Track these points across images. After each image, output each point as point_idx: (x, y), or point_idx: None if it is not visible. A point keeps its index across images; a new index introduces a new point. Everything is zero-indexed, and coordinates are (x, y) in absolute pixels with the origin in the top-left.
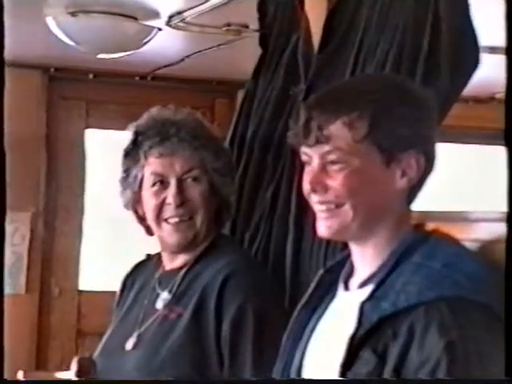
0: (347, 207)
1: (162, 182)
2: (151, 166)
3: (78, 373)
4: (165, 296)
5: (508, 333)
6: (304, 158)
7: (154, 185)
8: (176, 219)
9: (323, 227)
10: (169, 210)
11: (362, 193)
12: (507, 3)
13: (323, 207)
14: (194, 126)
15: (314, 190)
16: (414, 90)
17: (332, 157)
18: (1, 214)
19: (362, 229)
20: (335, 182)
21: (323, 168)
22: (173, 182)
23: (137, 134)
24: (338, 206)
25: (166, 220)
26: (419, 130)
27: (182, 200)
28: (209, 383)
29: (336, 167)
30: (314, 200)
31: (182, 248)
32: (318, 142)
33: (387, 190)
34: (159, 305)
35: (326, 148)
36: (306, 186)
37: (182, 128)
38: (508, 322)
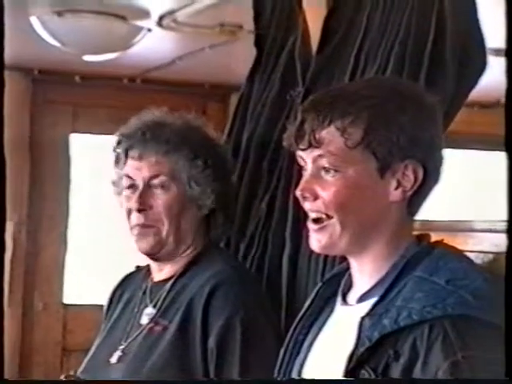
0: (335, 221)
1: (133, 186)
2: (126, 168)
3: None
4: (149, 311)
5: (508, 333)
6: (301, 162)
7: (128, 188)
8: (138, 226)
9: (314, 240)
10: (133, 216)
11: (352, 207)
12: (507, 3)
13: (314, 215)
14: (174, 130)
15: (303, 197)
16: (417, 96)
17: (323, 162)
18: (1, 223)
19: (352, 244)
20: (325, 191)
21: (316, 174)
22: (139, 187)
23: (121, 135)
24: (327, 216)
25: (133, 225)
26: (419, 140)
27: (143, 206)
28: (208, 383)
29: (329, 175)
30: (306, 207)
31: (151, 256)
32: (310, 145)
33: (380, 203)
34: (144, 320)
35: (318, 152)
36: (298, 192)
37: (158, 131)
38: (508, 322)
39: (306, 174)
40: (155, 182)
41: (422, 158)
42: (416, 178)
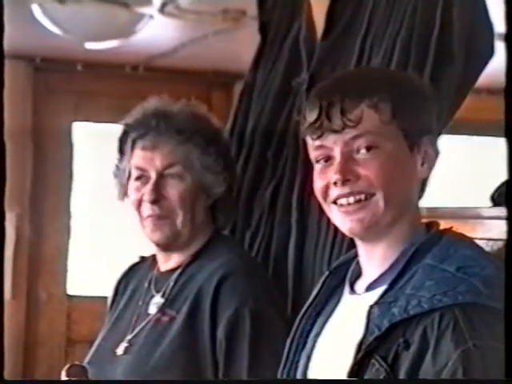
0: (378, 197)
1: (143, 177)
2: (135, 159)
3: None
4: (157, 300)
5: (508, 333)
6: (316, 154)
7: (136, 179)
8: (151, 217)
9: (354, 221)
10: (145, 207)
11: (394, 182)
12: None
13: (351, 199)
14: (184, 118)
15: (345, 180)
16: (420, 81)
17: (361, 142)
18: (0, 213)
19: (391, 222)
20: (369, 170)
21: (350, 156)
22: (152, 178)
23: (127, 125)
24: (368, 196)
25: (145, 217)
26: (432, 119)
27: (157, 197)
28: (209, 383)
29: (368, 154)
30: (341, 193)
31: (164, 247)
32: (344, 127)
33: (413, 180)
34: (152, 309)
35: (353, 133)
36: (337, 177)
37: (169, 120)
38: (508, 321)
39: (338, 159)
40: (169, 171)
41: (435, 137)
42: (436, 154)
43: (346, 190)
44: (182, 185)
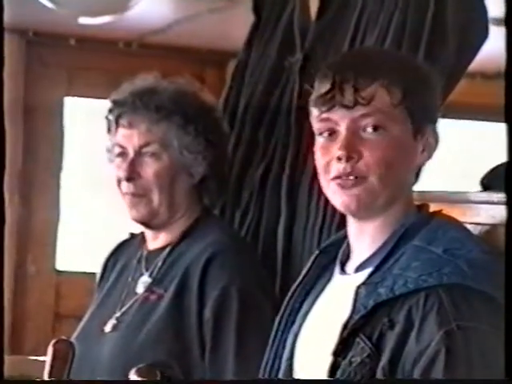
0: (376, 178)
1: (124, 154)
2: (118, 136)
3: (55, 356)
4: (145, 279)
5: (508, 332)
6: (320, 126)
7: (117, 156)
8: (127, 194)
9: (350, 197)
10: (123, 184)
11: (394, 165)
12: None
13: (351, 177)
14: (165, 96)
15: (349, 157)
16: (429, 70)
17: (369, 120)
18: (0, 198)
19: (385, 204)
20: (371, 151)
21: (356, 134)
22: (130, 155)
23: (112, 101)
24: (367, 176)
25: (123, 194)
26: (436, 106)
27: (132, 175)
28: (206, 383)
29: (374, 134)
30: (341, 171)
31: (144, 225)
32: (356, 103)
33: (411, 165)
34: (139, 289)
35: (362, 111)
36: (341, 153)
37: (147, 98)
38: (508, 321)
39: (344, 135)
40: (146, 150)
41: (436, 125)
42: (436, 143)
43: (348, 168)
44: (158, 163)
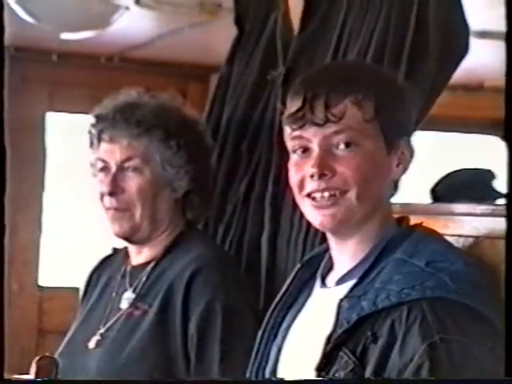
0: (352, 194)
1: (106, 169)
2: (99, 151)
3: (38, 373)
4: (129, 295)
5: (508, 332)
6: (293, 144)
7: (100, 171)
8: (110, 209)
9: (326, 216)
10: (106, 199)
11: (369, 180)
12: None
13: (326, 194)
14: (146, 111)
15: (322, 175)
16: (402, 82)
17: (341, 137)
18: (0, 211)
19: (363, 219)
20: (345, 167)
21: (329, 151)
22: (112, 170)
23: (96, 117)
24: (342, 193)
25: (105, 209)
26: (410, 119)
27: (115, 190)
28: (199, 383)
29: (346, 151)
30: (316, 188)
31: (126, 240)
32: (327, 121)
33: (387, 179)
34: (123, 304)
35: (334, 128)
36: (314, 170)
37: (128, 113)
38: (508, 320)
39: (317, 152)
40: (128, 164)
41: (411, 138)
42: (411, 156)
43: (322, 185)
44: (140, 178)
